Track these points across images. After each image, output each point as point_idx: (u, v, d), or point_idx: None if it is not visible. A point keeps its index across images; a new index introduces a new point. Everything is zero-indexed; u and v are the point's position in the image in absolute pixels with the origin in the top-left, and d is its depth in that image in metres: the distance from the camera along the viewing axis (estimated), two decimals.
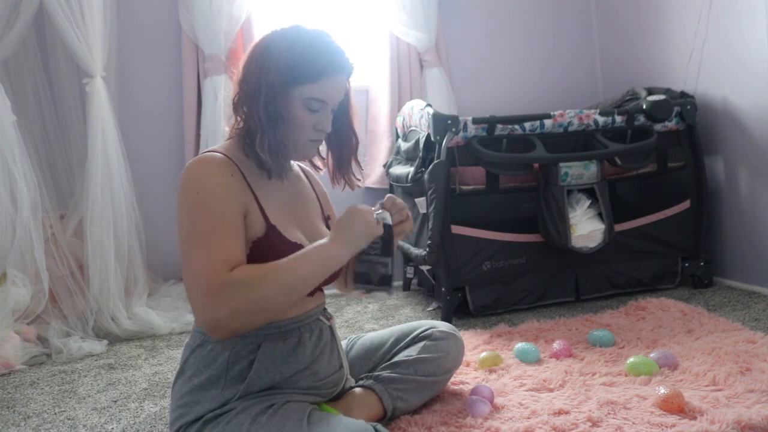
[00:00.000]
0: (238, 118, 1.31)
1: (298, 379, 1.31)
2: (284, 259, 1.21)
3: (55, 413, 1.81)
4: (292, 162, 1.44)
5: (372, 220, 1.26)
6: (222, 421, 1.22)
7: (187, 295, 1.22)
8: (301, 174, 1.50)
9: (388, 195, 1.38)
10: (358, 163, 1.47)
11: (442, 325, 1.61)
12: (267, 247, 1.25)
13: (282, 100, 1.26)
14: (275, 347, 1.29)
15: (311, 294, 1.35)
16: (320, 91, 1.28)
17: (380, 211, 1.32)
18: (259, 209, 1.27)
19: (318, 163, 1.49)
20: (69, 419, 1.76)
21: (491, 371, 1.78)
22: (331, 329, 1.41)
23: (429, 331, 1.58)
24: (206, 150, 1.31)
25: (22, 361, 2.25)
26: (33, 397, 1.95)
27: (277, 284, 1.17)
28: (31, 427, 1.72)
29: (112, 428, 1.68)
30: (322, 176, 1.54)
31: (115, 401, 1.87)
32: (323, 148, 1.45)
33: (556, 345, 1.90)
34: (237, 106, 1.30)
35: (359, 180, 1.48)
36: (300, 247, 1.29)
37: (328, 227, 1.49)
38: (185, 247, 1.20)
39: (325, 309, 1.43)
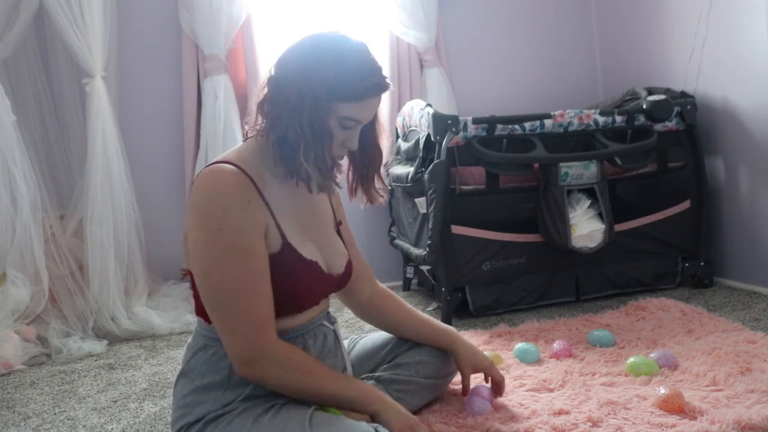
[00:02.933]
0: (262, 121, 1.25)
1: None
2: (327, 370, 1.26)
3: (55, 413, 1.81)
4: None
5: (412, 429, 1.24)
6: (224, 421, 1.22)
7: (220, 333, 1.22)
8: None
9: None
10: (381, 179, 1.43)
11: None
12: (282, 264, 1.24)
13: (326, 115, 1.22)
14: None
15: (316, 304, 1.35)
16: (358, 111, 1.24)
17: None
18: (276, 226, 1.24)
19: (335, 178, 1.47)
20: (69, 419, 1.76)
21: None
22: (335, 333, 1.40)
23: None
24: (219, 159, 1.25)
25: (21, 361, 2.25)
26: (33, 397, 1.95)
27: (305, 385, 1.23)
28: (31, 427, 1.72)
29: (112, 428, 1.68)
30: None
31: (115, 401, 1.87)
32: (345, 160, 1.40)
33: (556, 345, 1.90)
34: (268, 109, 1.23)
35: (382, 195, 1.43)
36: (315, 264, 1.29)
37: (339, 233, 1.47)
38: (215, 292, 1.19)
39: (328, 313, 1.42)
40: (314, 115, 1.20)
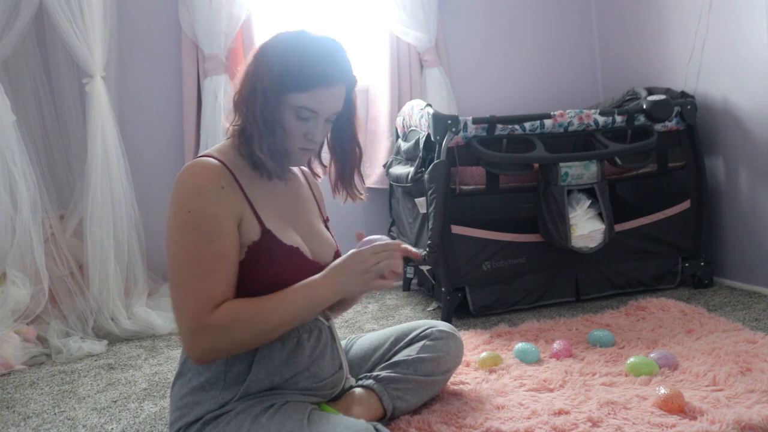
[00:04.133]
0: (236, 119, 1.31)
1: (297, 380, 1.30)
2: (270, 299, 1.23)
3: (55, 413, 1.81)
4: None
5: (371, 271, 1.25)
6: (222, 421, 1.22)
7: (174, 315, 1.24)
8: (300, 175, 1.49)
9: (383, 241, 1.35)
10: (360, 175, 1.45)
11: (442, 325, 1.61)
12: (262, 251, 1.26)
13: (277, 105, 1.26)
14: (273, 350, 1.29)
15: None
16: (311, 101, 1.26)
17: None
18: (254, 214, 1.27)
19: (318, 170, 1.49)
20: (69, 419, 1.76)
21: (491, 371, 1.78)
22: (331, 329, 1.41)
23: (428, 330, 1.58)
24: (202, 154, 1.31)
25: (21, 361, 2.25)
26: (33, 397, 1.95)
27: (258, 327, 1.21)
28: (31, 428, 1.72)
29: (112, 428, 1.68)
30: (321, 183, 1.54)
31: (115, 401, 1.87)
32: (326, 156, 1.45)
33: (556, 345, 1.90)
34: (237, 105, 1.30)
35: (361, 194, 1.46)
36: (296, 250, 1.30)
37: (328, 228, 1.49)
38: (174, 271, 1.21)
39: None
40: (264, 105, 1.24)
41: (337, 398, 1.41)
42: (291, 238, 1.32)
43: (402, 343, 1.56)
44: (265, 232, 1.27)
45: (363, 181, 1.48)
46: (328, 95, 1.28)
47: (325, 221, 1.51)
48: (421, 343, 1.54)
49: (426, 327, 1.59)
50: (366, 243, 1.33)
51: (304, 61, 1.25)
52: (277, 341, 1.29)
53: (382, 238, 1.35)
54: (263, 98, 1.25)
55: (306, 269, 1.31)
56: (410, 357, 1.51)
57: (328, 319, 1.42)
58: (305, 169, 1.51)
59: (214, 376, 1.26)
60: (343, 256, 1.28)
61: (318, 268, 1.35)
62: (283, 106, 1.26)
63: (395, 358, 1.52)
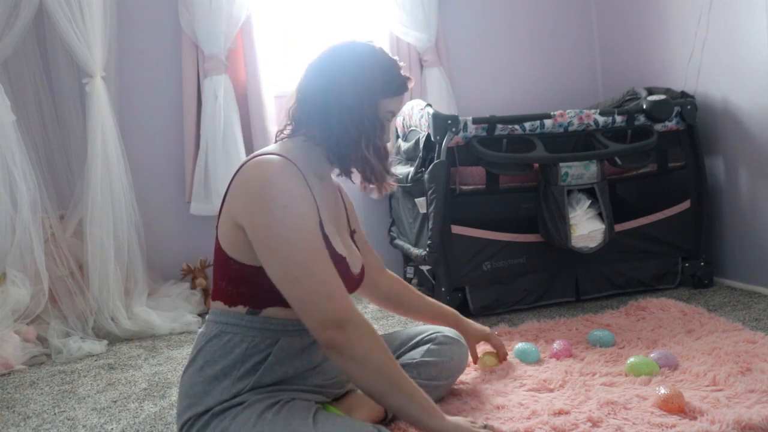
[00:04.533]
0: (292, 124, 1.37)
1: (308, 375, 1.32)
2: (406, 377, 1.24)
3: (55, 413, 1.81)
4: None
5: None
6: (229, 415, 1.23)
7: (297, 305, 1.23)
8: (336, 183, 1.53)
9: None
10: (391, 171, 1.50)
11: (447, 331, 1.63)
12: None
13: (377, 110, 1.36)
14: (293, 342, 1.31)
15: None
16: (397, 105, 1.40)
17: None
18: (318, 217, 1.30)
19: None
20: (69, 419, 1.76)
21: (491, 371, 1.78)
22: None
23: (433, 335, 1.59)
24: (262, 152, 1.33)
25: (21, 362, 2.25)
26: (33, 398, 1.95)
27: (385, 370, 1.22)
28: (31, 428, 1.72)
29: (112, 428, 1.68)
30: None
31: (115, 401, 1.87)
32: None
33: (556, 345, 1.90)
34: (318, 111, 1.34)
35: (392, 185, 1.49)
36: (344, 259, 1.34)
37: (353, 240, 1.53)
38: (291, 266, 1.21)
39: None
40: (370, 111, 1.34)
41: (340, 399, 1.42)
42: (339, 245, 1.36)
43: (407, 347, 1.58)
44: (324, 237, 1.29)
45: (391, 173, 1.51)
46: (404, 99, 1.47)
47: (352, 233, 1.54)
48: (425, 347, 1.55)
49: (431, 331, 1.61)
50: None
51: (395, 68, 1.39)
52: (296, 335, 1.31)
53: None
54: (370, 104, 1.34)
55: (347, 279, 1.33)
56: (414, 360, 1.52)
57: None
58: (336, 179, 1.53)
59: (229, 364, 1.27)
60: (469, 429, 1.26)
61: (352, 279, 1.39)
62: (378, 112, 1.36)
63: (399, 361, 1.52)
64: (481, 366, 1.80)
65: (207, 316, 1.37)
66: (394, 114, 1.41)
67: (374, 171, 1.36)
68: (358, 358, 1.20)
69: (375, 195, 1.48)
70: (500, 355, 1.79)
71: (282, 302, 1.25)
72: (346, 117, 1.32)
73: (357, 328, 1.20)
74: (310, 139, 1.36)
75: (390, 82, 1.37)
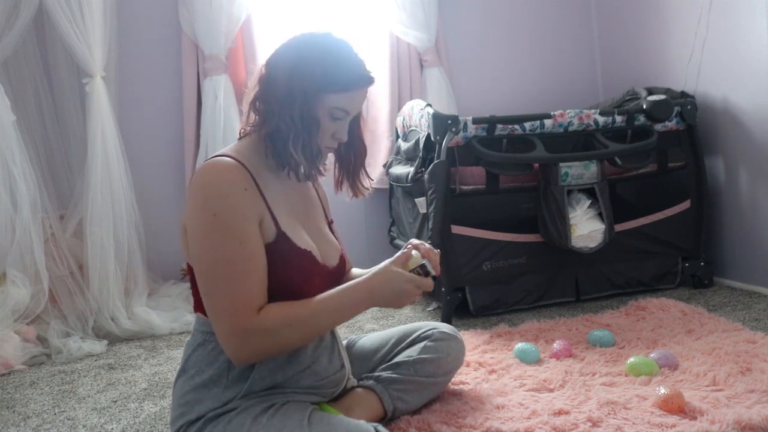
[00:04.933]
0: (255, 117, 1.31)
1: (299, 378, 1.31)
2: (311, 305, 1.25)
3: (55, 413, 1.81)
4: None
5: (409, 290, 1.27)
6: (223, 420, 1.22)
7: (210, 319, 1.24)
8: None
9: (421, 243, 1.38)
10: (366, 173, 1.48)
11: (443, 327, 1.61)
12: (276, 253, 1.25)
13: (314, 106, 1.27)
14: None
15: (313, 295, 1.35)
16: (347, 102, 1.30)
17: (423, 262, 1.32)
18: (270, 216, 1.27)
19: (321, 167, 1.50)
20: (69, 419, 1.76)
21: (492, 371, 1.78)
22: (332, 331, 1.41)
23: (430, 331, 1.58)
24: (217, 154, 1.29)
25: (21, 361, 2.25)
26: (33, 398, 1.95)
27: (300, 332, 1.24)
28: (31, 428, 1.72)
29: (112, 428, 1.68)
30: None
31: (115, 401, 1.87)
32: (330, 156, 1.45)
33: (556, 345, 1.90)
34: (260, 105, 1.30)
35: (368, 189, 1.48)
36: (308, 253, 1.31)
37: (332, 231, 1.50)
38: (206, 276, 1.21)
39: None
40: (303, 106, 1.26)
41: (338, 398, 1.42)
42: (304, 240, 1.32)
43: (403, 344, 1.56)
44: (280, 235, 1.27)
45: (369, 176, 1.49)
46: (361, 96, 1.34)
47: (329, 223, 1.51)
48: (422, 344, 1.54)
49: (428, 328, 1.59)
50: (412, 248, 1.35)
51: (346, 62, 1.30)
52: None
53: (424, 245, 1.37)
54: (303, 99, 1.26)
55: (317, 272, 1.32)
56: (411, 358, 1.51)
57: None
58: None
59: (217, 373, 1.26)
60: (388, 270, 1.28)
61: (327, 271, 1.36)
62: (318, 107, 1.28)
63: (396, 359, 1.52)
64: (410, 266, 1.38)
65: (193, 324, 1.37)
66: (346, 112, 1.31)
67: (300, 171, 1.30)
68: (277, 352, 1.25)
69: (347, 198, 1.46)
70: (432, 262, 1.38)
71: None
72: (277, 111, 1.26)
73: (254, 334, 1.19)
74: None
75: (335, 77, 1.27)
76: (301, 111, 1.26)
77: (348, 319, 1.32)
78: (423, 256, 1.34)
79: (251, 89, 1.33)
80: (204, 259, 1.21)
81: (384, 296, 1.27)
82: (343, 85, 1.29)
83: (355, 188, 1.46)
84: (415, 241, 1.39)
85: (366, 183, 1.47)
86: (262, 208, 1.26)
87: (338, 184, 1.46)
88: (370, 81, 1.33)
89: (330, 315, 1.26)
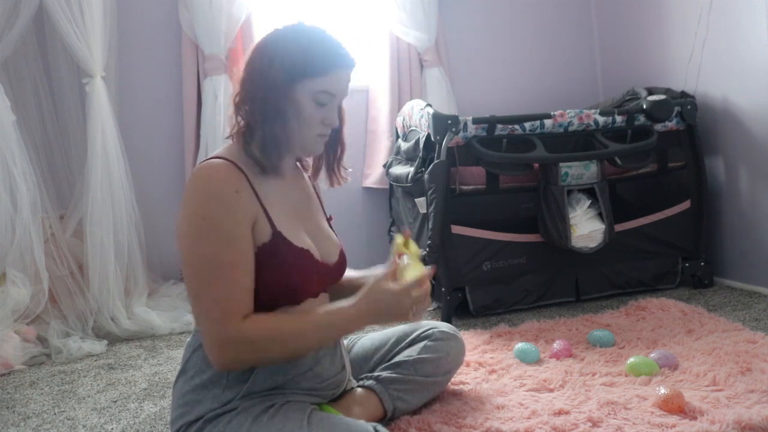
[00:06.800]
0: (239, 119, 1.30)
1: (300, 380, 1.31)
2: (299, 322, 1.24)
3: (55, 413, 1.81)
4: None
5: (402, 302, 1.24)
6: (223, 420, 1.22)
7: (195, 323, 1.24)
8: (303, 172, 1.50)
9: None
10: (343, 166, 1.47)
11: (443, 326, 1.61)
12: (272, 253, 1.25)
13: (283, 97, 1.26)
14: None
15: (314, 296, 1.35)
16: (329, 84, 1.28)
17: (408, 259, 1.31)
18: (265, 216, 1.26)
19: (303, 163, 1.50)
20: (69, 419, 1.76)
21: (492, 371, 1.78)
22: None
23: (429, 331, 1.58)
24: (211, 156, 1.29)
25: (21, 362, 2.25)
26: (33, 398, 1.95)
27: (282, 347, 1.23)
28: (31, 428, 1.72)
29: (112, 428, 1.68)
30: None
31: (115, 401, 1.87)
32: None
33: (556, 345, 1.90)
34: (239, 106, 1.30)
35: (345, 179, 1.47)
36: (306, 252, 1.30)
37: (331, 227, 1.49)
38: (193, 280, 1.21)
39: None
40: (270, 98, 1.25)
41: (338, 398, 1.42)
42: (301, 239, 1.31)
43: (403, 344, 1.56)
44: (276, 234, 1.26)
45: (344, 168, 1.48)
46: (344, 77, 1.31)
47: (329, 219, 1.51)
48: (422, 344, 1.54)
49: (427, 328, 1.59)
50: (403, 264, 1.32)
51: (318, 45, 1.28)
52: None
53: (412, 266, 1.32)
54: (268, 91, 1.25)
55: (315, 271, 1.32)
56: (411, 358, 1.51)
57: None
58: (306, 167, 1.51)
59: (216, 374, 1.26)
60: (379, 289, 1.25)
61: (326, 269, 1.36)
62: (299, 95, 1.26)
63: (396, 359, 1.52)
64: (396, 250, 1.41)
65: (193, 325, 1.37)
66: (330, 94, 1.28)
67: (267, 167, 1.27)
68: (257, 364, 1.24)
69: (326, 185, 1.45)
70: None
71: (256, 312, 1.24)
72: (259, 108, 1.25)
73: (235, 344, 1.19)
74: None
75: (310, 60, 1.25)
76: (264, 104, 1.25)
77: (336, 339, 1.31)
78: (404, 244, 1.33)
79: (235, 92, 1.32)
80: (191, 262, 1.21)
81: (379, 316, 1.26)
82: (320, 68, 1.26)
83: (336, 176, 1.45)
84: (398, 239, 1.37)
85: (343, 172, 1.47)
86: (256, 208, 1.25)
87: (315, 172, 1.46)
88: (348, 61, 1.31)
89: (316, 335, 1.25)
